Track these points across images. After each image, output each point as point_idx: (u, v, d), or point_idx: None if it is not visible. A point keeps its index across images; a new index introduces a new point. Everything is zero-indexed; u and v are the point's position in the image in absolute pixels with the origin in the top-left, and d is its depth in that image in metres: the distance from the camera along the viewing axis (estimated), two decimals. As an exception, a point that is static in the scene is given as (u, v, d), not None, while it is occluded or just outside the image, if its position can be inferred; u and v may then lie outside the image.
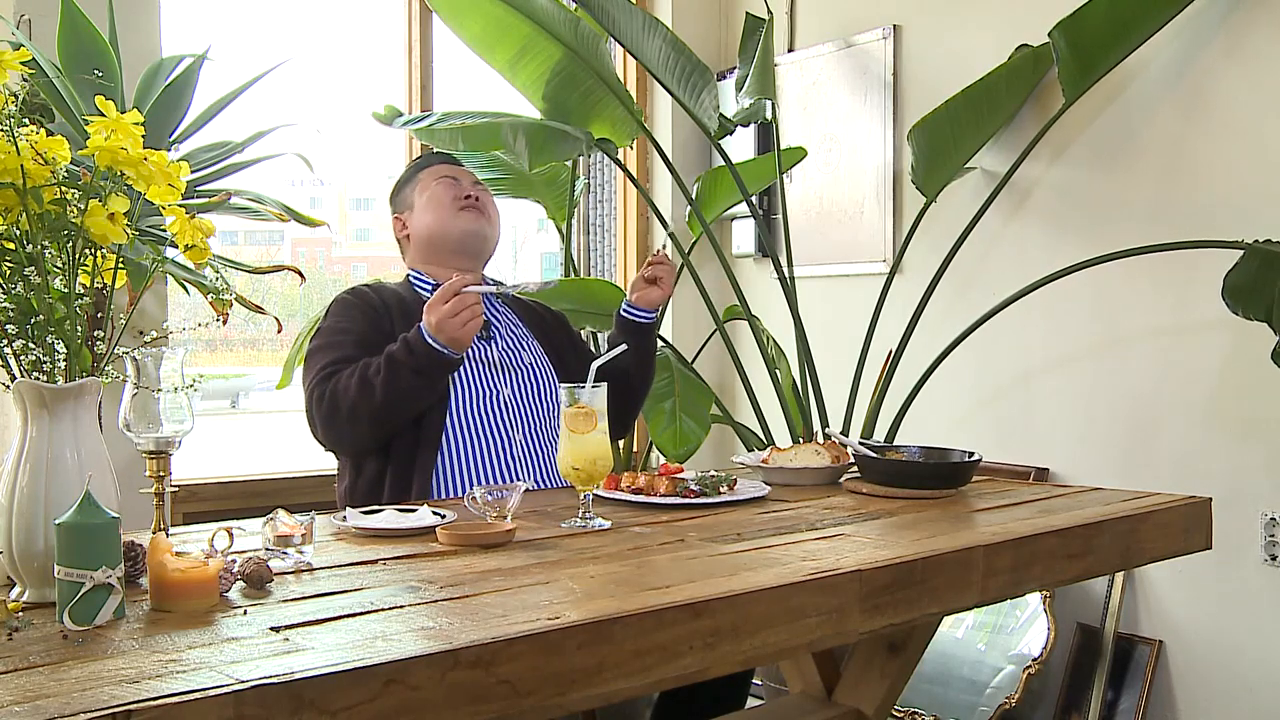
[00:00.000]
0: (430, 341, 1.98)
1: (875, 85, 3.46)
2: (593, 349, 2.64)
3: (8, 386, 1.29)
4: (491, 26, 2.89)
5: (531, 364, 2.26)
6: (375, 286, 2.29)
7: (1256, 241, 2.47)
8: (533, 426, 2.20)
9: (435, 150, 2.62)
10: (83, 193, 1.30)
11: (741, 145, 3.68)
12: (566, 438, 1.71)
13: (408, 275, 2.35)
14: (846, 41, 3.55)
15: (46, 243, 1.29)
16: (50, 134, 1.31)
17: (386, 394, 2.00)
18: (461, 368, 2.12)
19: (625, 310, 2.31)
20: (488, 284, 2.21)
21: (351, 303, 2.22)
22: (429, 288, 2.28)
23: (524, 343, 2.30)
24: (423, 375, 2.01)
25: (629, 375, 2.30)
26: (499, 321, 2.30)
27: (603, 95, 2.99)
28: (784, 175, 3.34)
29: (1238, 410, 2.70)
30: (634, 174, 3.71)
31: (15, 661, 1.00)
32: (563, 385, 1.75)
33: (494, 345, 2.23)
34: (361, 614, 1.16)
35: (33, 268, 1.27)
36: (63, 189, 1.30)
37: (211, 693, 0.90)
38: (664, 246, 2.39)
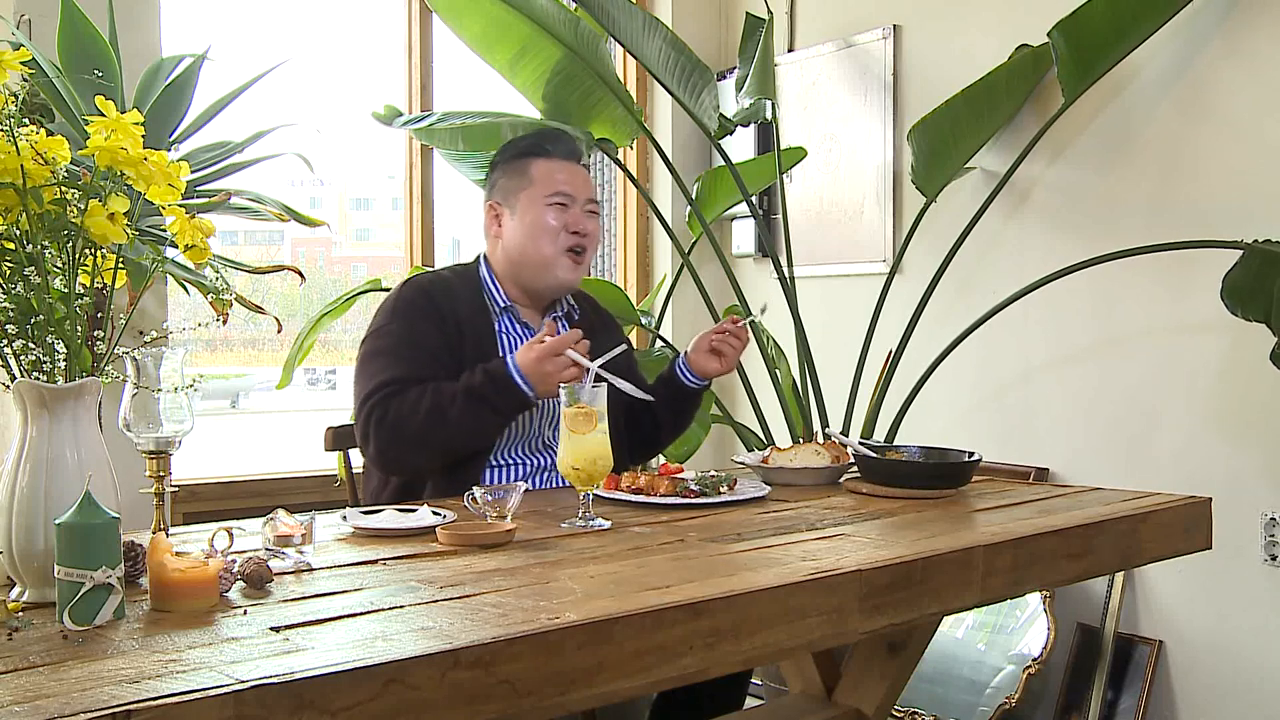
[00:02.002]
0: (517, 379, 1.92)
1: (875, 85, 3.46)
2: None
3: (8, 386, 1.29)
4: (491, 26, 2.89)
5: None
6: (444, 283, 2.15)
7: (1256, 241, 2.47)
8: None
9: (558, 130, 2.37)
10: (83, 193, 1.30)
11: (741, 145, 3.68)
12: (566, 438, 1.71)
13: (480, 269, 2.20)
14: (846, 41, 3.55)
15: (46, 243, 1.29)
16: (50, 134, 1.31)
17: (461, 427, 1.94)
18: None
19: (680, 369, 2.19)
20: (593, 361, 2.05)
21: (421, 309, 2.08)
22: (501, 304, 2.16)
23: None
24: (501, 413, 1.96)
25: (661, 426, 2.25)
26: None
27: (603, 95, 2.99)
28: (784, 175, 3.34)
29: (1237, 410, 2.70)
30: (634, 174, 3.71)
31: (15, 661, 1.00)
32: (563, 385, 1.75)
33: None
34: (361, 614, 1.16)
35: (33, 268, 1.27)
36: (63, 189, 1.30)
37: (211, 693, 0.90)
38: (748, 319, 2.21)
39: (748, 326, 2.19)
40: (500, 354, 2.04)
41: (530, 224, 2.13)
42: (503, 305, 2.17)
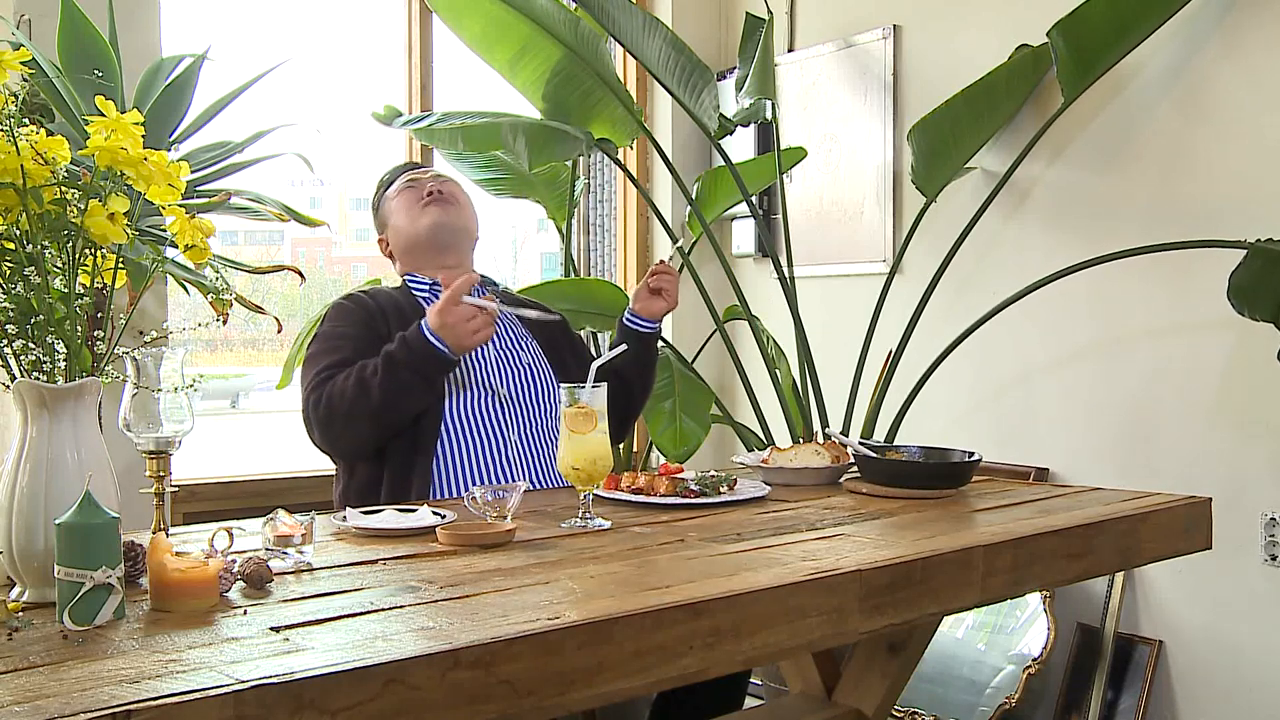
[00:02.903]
0: (431, 339, 1.98)
1: (875, 85, 3.46)
2: (592, 350, 2.63)
3: (8, 386, 1.29)
4: (491, 26, 2.89)
5: (529, 363, 2.25)
6: (371, 291, 2.29)
7: (1259, 241, 2.47)
8: (528, 426, 2.19)
9: (404, 163, 2.62)
10: (83, 193, 1.30)
11: (741, 145, 3.68)
12: (566, 438, 1.71)
13: (403, 280, 2.35)
14: (846, 41, 3.55)
15: (46, 243, 1.29)
16: (50, 134, 1.31)
17: (384, 393, 1.99)
18: (458, 367, 2.12)
19: (628, 319, 2.30)
20: (491, 292, 2.20)
21: (348, 307, 2.22)
22: (424, 287, 2.29)
23: (521, 342, 2.29)
24: (420, 374, 2.00)
25: (629, 382, 2.30)
26: (497, 320, 2.29)
27: (603, 95, 2.99)
28: (784, 175, 3.34)
29: (1238, 410, 2.71)
30: (634, 174, 3.71)
31: (15, 661, 1.00)
32: (563, 385, 1.75)
33: (491, 344, 2.22)
34: (361, 614, 1.16)
35: (33, 268, 1.27)
36: (63, 189, 1.30)
37: (211, 693, 0.90)
38: (670, 258, 2.36)
39: (676, 260, 2.32)
40: None
41: (393, 209, 2.35)
42: (428, 286, 2.28)
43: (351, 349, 2.11)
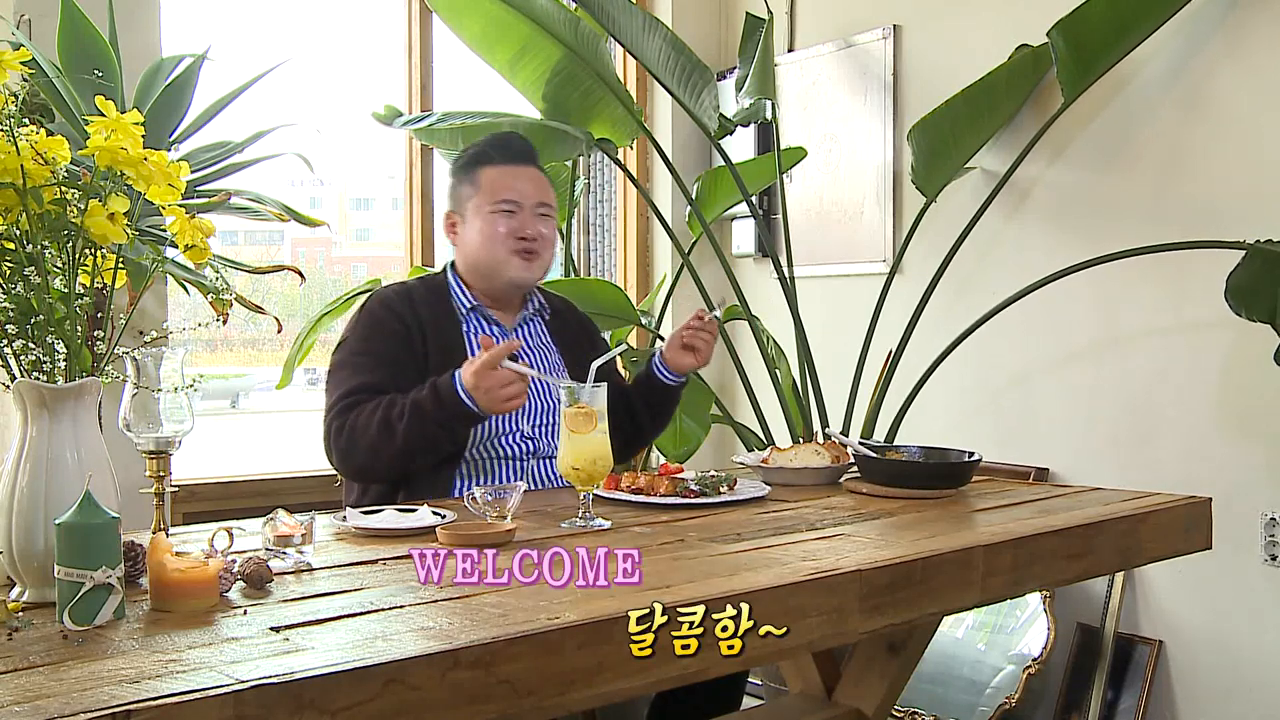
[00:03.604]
0: (462, 396, 1.90)
1: (875, 85, 3.46)
2: (621, 373, 2.58)
3: (8, 386, 1.29)
4: (491, 26, 2.89)
5: (559, 399, 2.17)
6: (408, 292, 2.18)
7: (1258, 242, 2.47)
8: (550, 462, 2.15)
9: (504, 139, 2.29)
10: (83, 193, 1.30)
11: (741, 145, 3.68)
12: (566, 438, 1.71)
13: (447, 272, 2.23)
14: (846, 41, 3.55)
15: (46, 243, 1.29)
16: (50, 134, 1.31)
17: (408, 440, 1.94)
18: None
19: (656, 367, 2.21)
20: (538, 367, 2.10)
21: (383, 320, 2.11)
22: (466, 306, 2.18)
23: (554, 373, 2.21)
24: (447, 428, 1.95)
25: (640, 423, 2.26)
26: (527, 343, 2.22)
27: (603, 95, 2.99)
28: (784, 175, 3.34)
29: (1238, 410, 2.71)
30: (634, 174, 3.71)
31: (15, 661, 1.00)
32: (562, 385, 1.75)
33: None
34: (361, 614, 1.16)
35: (33, 268, 1.27)
36: (63, 189, 1.30)
37: (211, 693, 0.90)
38: (713, 312, 2.22)
39: (716, 320, 2.21)
40: (469, 355, 2.03)
41: (479, 231, 2.16)
42: (469, 306, 2.18)
43: (384, 371, 2.03)
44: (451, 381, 1.92)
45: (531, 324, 2.27)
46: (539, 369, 2.18)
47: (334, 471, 2.19)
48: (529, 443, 2.13)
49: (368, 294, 2.25)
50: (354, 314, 2.19)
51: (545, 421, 2.16)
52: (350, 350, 2.09)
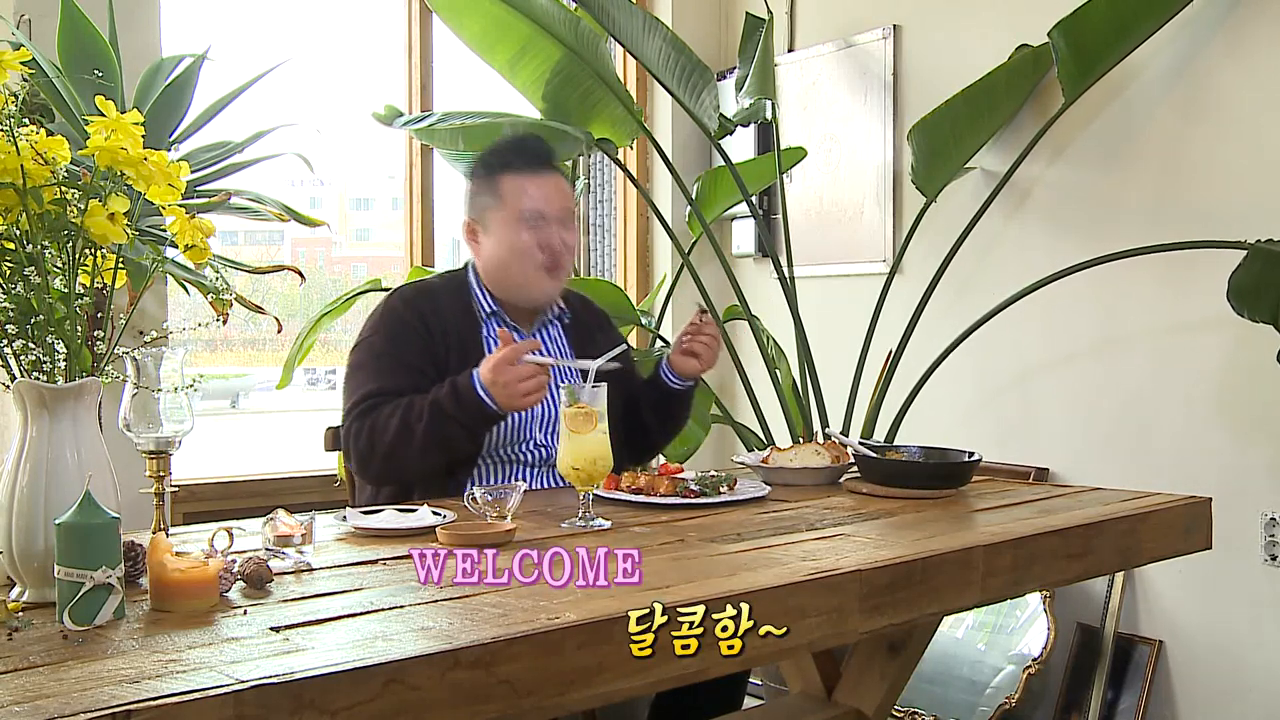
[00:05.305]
0: (481, 394, 1.89)
1: (875, 85, 3.46)
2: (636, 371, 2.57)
3: (8, 386, 1.29)
4: (491, 26, 2.89)
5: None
6: (431, 291, 2.16)
7: (1259, 242, 2.47)
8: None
9: (525, 143, 2.24)
10: (83, 193, 1.30)
11: (741, 145, 3.68)
12: (567, 438, 1.71)
13: (469, 275, 2.20)
14: (846, 41, 3.55)
15: (46, 243, 1.29)
16: (50, 134, 1.31)
17: (426, 442, 1.93)
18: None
19: (664, 372, 2.19)
20: (557, 358, 2.07)
21: (405, 321, 2.09)
22: (487, 313, 2.16)
23: (569, 376, 2.19)
24: (466, 427, 1.94)
25: (651, 432, 2.25)
26: (545, 349, 2.20)
27: (603, 95, 2.99)
28: (784, 175, 3.34)
29: (1237, 410, 2.70)
30: (634, 174, 3.71)
31: (15, 661, 1.00)
32: (562, 385, 1.75)
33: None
34: (361, 614, 1.16)
35: (33, 268, 1.27)
36: (63, 189, 1.30)
37: (211, 693, 0.90)
38: (703, 313, 2.17)
39: (715, 320, 2.16)
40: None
41: (503, 244, 2.12)
42: (489, 311, 2.17)
43: (403, 373, 2.02)
44: (470, 380, 1.91)
45: (550, 328, 2.25)
46: (553, 375, 2.15)
47: (333, 472, 2.19)
48: (542, 450, 2.13)
49: (388, 291, 2.23)
50: (376, 310, 2.16)
51: (556, 412, 2.15)
52: (371, 351, 2.08)
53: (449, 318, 2.12)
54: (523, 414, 2.07)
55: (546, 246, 2.11)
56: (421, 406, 1.94)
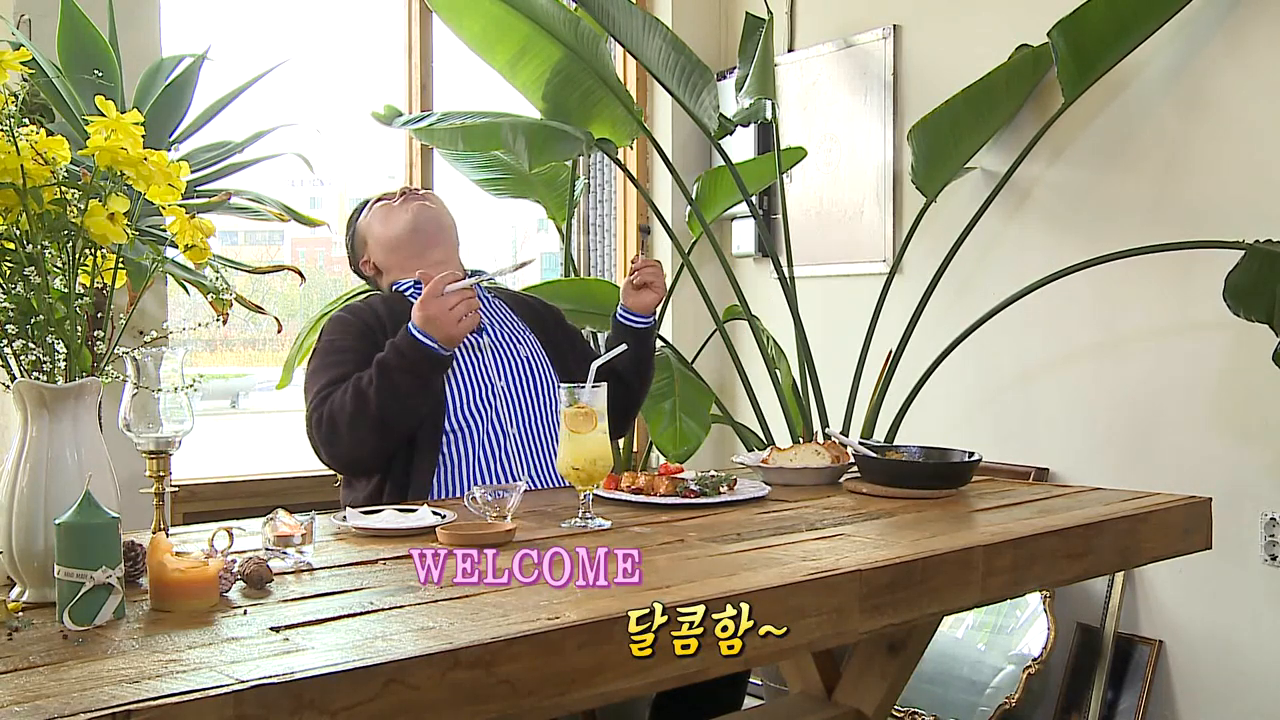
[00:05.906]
0: (419, 338, 1.97)
1: (875, 85, 3.46)
2: (592, 347, 2.62)
3: (8, 386, 1.29)
4: (491, 26, 2.89)
5: (528, 356, 2.24)
6: (369, 301, 2.27)
7: (1257, 242, 2.47)
8: (530, 420, 2.18)
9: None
10: (83, 193, 1.30)
11: (741, 145, 3.68)
12: (566, 438, 1.71)
13: (391, 290, 2.32)
14: (846, 41, 3.55)
15: (46, 243, 1.29)
16: (50, 134, 1.31)
17: (382, 401, 1.98)
18: (457, 364, 2.12)
19: (621, 316, 2.28)
20: (470, 276, 2.18)
21: (345, 319, 2.20)
22: (419, 290, 2.24)
23: (519, 335, 2.28)
24: (415, 375, 1.99)
25: (628, 379, 2.29)
26: (491, 315, 2.28)
27: (603, 95, 2.99)
28: (784, 175, 3.34)
29: (1238, 410, 2.70)
30: (634, 174, 3.71)
31: (15, 661, 1.00)
32: (562, 385, 1.75)
33: (486, 337, 2.21)
34: (361, 614, 1.16)
35: (33, 268, 1.27)
36: (63, 189, 1.30)
37: (211, 693, 0.90)
38: (640, 251, 2.34)
39: (649, 254, 2.29)
40: None
41: (374, 227, 2.34)
42: (416, 284, 2.25)
43: (351, 362, 2.09)
44: (407, 330, 1.99)
45: (489, 299, 2.34)
46: (500, 332, 2.25)
47: (333, 472, 2.19)
48: (499, 381, 2.17)
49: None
50: (319, 334, 2.27)
51: (510, 359, 2.21)
52: (317, 355, 2.17)
53: (387, 313, 2.22)
54: (475, 363, 2.15)
55: (392, 200, 2.32)
56: (370, 373, 2.01)
